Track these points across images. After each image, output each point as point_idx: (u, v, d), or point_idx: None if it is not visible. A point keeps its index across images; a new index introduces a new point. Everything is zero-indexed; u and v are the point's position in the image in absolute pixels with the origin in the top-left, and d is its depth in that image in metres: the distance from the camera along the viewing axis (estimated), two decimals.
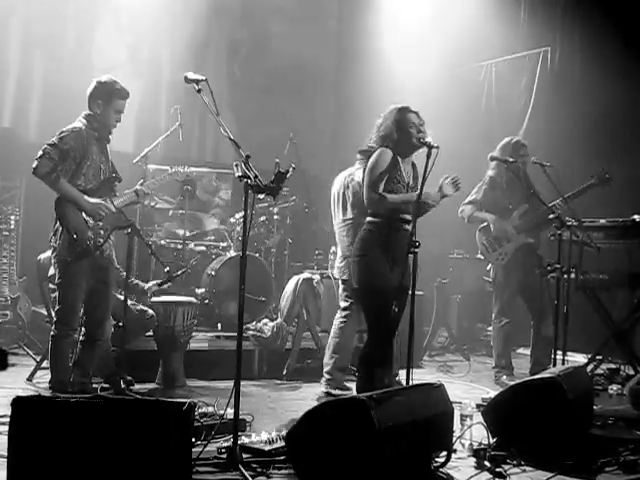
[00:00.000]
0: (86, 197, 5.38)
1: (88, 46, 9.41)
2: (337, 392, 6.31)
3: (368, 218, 5.31)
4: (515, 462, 4.40)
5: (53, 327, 5.46)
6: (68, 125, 5.45)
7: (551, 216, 6.20)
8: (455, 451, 4.45)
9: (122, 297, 5.73)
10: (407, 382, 4.85)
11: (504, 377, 6.99)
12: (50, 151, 5.24)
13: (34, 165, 5.23)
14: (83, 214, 5.38)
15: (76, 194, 5.35)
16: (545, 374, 4.84)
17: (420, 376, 6.68)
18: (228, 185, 9.57)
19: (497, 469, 4.26)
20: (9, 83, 9.12)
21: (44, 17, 8.99)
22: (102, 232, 5.46)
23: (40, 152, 5.25)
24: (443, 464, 4.25)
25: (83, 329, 5.56)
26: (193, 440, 4.08)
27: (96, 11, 9.53)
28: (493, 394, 5.17)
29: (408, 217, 5.20)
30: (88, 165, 5.43)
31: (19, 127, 9.14)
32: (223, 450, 4.21)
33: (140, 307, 6.45)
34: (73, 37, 9.37)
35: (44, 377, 6.08)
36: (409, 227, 5.18)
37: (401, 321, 5.32)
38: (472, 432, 4.68)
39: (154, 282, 6.68)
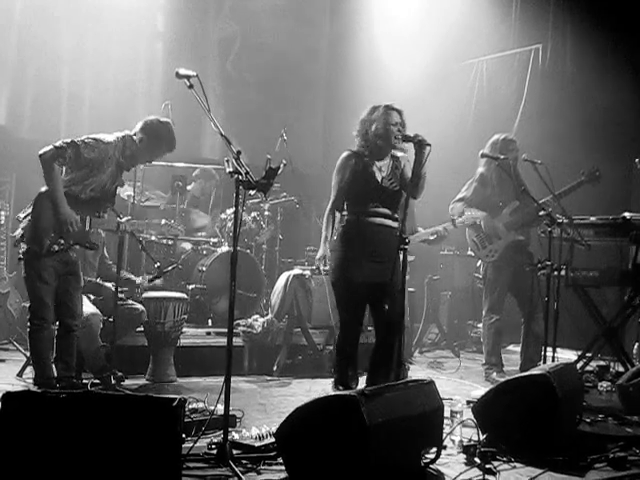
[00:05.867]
0: (66, 205, 5.23)
1: (81, 44, 9.37)
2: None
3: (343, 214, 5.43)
4: (505, 458, 4.41)
5: (28, 322, 5.41)
6: (106, 134, 5.36)
7: (541, 213, 6.22)
8: (445, 447, 4.46)
9: (113, 291, 5.73)
10: (397, 379, 4.86)
11: (494, 374, 7.00)
12: (66, 148, 5.16)
13: (46, 149, 5.13)
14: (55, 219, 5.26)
15: (60, 198, 5.22)
16: (535, 371, 4.84)
17: (410, 372, 6.70)
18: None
19: (487, 465, 4.25)
20: (3, 81, 9.09)
21: (38, 16, 8.96)
22: (61, 241, 5.32)
23: (59, 143, 5.16)
24: (433, 460, 4.25)
25: (57, 321, 5.54)
26: (183, 436, 4.07)
27: (89, 10, 9.48)
28: (483, 391, 5.17)
29: (384, 211, 5.23)
30: (94, 181, 5.36)
31: (11, 123, 9.11)
32: (213, 446, 4.21)
33: (130, 302, 6.42)
34: (66, 35, 9.33)
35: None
36: (390, 222, 5.22)
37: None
38: (462, 429, 4.69)
39: (147, 277, 6.66)
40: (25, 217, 5.33)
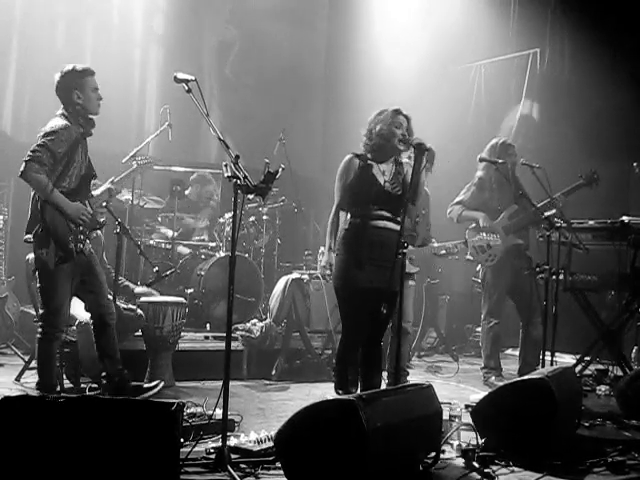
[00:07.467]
0: (69, 203, 5.15)
1: (79, 46, 9.38)
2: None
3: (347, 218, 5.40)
4: (503, 463, 4.40)
5: (39, 329, 5.32)
6: (50, 123, 5.17)
7: (547, 214, 6.22)
8: (444, 451, 4.45)
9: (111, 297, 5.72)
10: (395, 383, 4.86)
11: (493, 378, 6.99)
12: (40, 154, 4.98)
13: (22, 168, 4.97)
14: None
15: (62, 202, 5.12)
16: (534, 375, 4.83)
17: (409, 377, 6.69)
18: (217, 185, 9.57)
19: (485, 470, 4.25)
20: (5, 87, 9.10)
21: (37, 21, 8.97)
22: (82, 237, 5.29)
23: (29, 154, 4.98)
24: (432, 464, 4.24)
25: (91, 319, 5.54)
26: (181, 440, 4.07)
27: (87, 12, 9.49)
28: (482, 395, 5.17)
29: (387, 214, 5.22)
30: (74, 167, 5.22)
31: (9, 127, 9.12)
32: (212, 450, 4.20)
33: (129, 306, 6.41)
34: (63, 37, 9.34)
35: (32, 377, 6.05)
36: (393, 225, 5.20)
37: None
38: (460, 433, 4.68)
39: (144, 288, 6.66)
40: (35, 236, 5.19)
